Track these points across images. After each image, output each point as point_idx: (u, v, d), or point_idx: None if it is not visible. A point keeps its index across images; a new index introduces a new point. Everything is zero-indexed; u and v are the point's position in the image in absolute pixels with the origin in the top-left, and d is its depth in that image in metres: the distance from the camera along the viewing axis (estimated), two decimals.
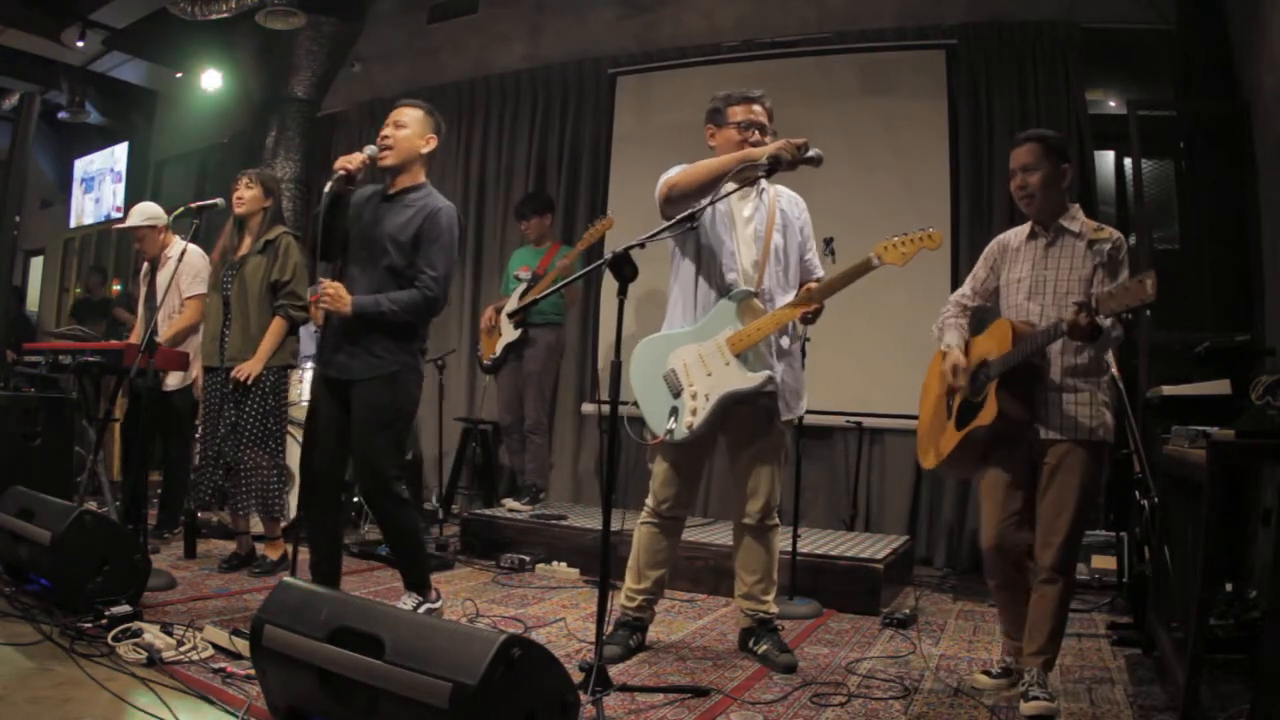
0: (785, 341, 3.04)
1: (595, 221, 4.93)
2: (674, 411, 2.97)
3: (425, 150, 3.20)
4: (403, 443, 3.34)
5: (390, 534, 3.27)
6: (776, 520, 3.10)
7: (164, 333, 4.38)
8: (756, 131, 3.01)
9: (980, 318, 2.93)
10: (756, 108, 3.05)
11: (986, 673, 2.80)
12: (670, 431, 2.96)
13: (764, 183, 3.05)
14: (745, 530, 3.09)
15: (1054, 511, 2.60)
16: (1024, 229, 2.81)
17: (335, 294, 3.03)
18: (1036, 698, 2.53)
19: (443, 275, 3.11)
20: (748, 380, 2.90)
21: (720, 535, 4.33)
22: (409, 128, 3.16)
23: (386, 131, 3.15)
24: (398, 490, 3.13)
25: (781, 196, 3.15)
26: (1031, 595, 2.66)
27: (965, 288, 2.93)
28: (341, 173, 3.01)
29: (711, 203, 2.90)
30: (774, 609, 3.11)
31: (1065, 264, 2.67)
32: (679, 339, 3.04)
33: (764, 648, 3.01)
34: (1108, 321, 2.45)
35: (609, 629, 2.91)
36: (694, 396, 2.96)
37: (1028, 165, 2.69)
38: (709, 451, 3.14)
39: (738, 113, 3.04)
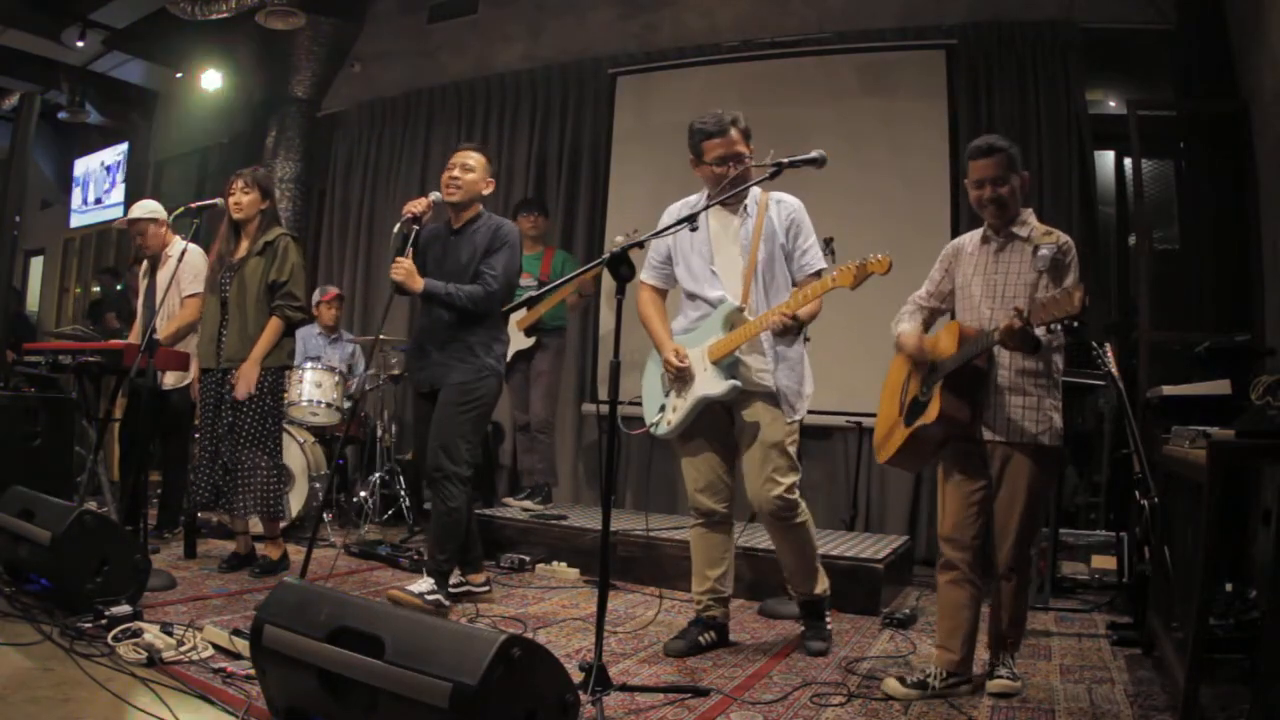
0: (782, 347, 3.06)
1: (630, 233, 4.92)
2: (662, 409, 3.18)
3: (486, 193, 3.66)
4: (481, 435, 3.62)
5: (439, 512, 3.46)
6: (793, 516, 3.09)
7: (163, 331, 4.38)
8: (732, 164, 2.99)
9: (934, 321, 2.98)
10: (733, 133, 3.00)
11: (900, 679, 2.70)
12: (654, 425, 3.20)
13: (754, 192, 3.08)
14: (765, 524, 3.19)
15: (1004, 513, 2.72)
16: (978, 233, 2.86)
17: (408, 271, 3.41)
18: (1001, 677, 2.70)
19: (502, 274, 3.50)
20: (717, 387, 3.02)
21: None
22: (475, 172, 3.60)
23: (455, 172, 3.57)
24: (466, 474, 3.45)
25: (771, 204, 3.13)
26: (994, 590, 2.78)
27: (922, 290, 2.97)
28: (409, 215, 3.47)
29: (693, 217, 2.85)
30: (816, 591, 3.20)
31: (1014, 269, 2.73)
32: (684, 343, 3.13)
33: (801, 629, 3.25)
34: (1041, 331, 2.47)
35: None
36: (678, 396, 3.11)
37: (996, 178, 2.71)
38: (725, 451, 3.17)
39: (713, 148, 3.01)
